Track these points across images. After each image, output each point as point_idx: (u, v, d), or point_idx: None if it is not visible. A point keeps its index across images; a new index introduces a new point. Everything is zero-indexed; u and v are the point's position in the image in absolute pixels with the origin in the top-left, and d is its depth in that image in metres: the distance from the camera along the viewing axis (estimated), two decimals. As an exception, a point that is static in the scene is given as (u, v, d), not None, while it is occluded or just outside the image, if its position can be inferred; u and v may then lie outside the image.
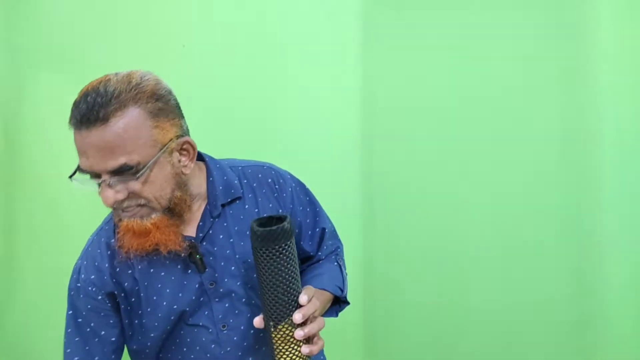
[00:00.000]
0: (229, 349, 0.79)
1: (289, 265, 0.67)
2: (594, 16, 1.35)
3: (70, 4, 1.48)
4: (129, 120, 0.65)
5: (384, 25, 1.41)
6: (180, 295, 0.77)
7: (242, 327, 0.80)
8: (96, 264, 0.79)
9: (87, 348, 0.78)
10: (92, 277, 0.78)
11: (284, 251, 0.66)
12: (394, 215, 1.38)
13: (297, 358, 0.68)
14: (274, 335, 0.68)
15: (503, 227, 1.36)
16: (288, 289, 0.67)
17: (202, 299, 0.79)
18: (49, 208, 1.48)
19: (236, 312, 0.80)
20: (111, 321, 0.79)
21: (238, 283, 0.80)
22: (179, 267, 0.77)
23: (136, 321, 0.79)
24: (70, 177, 0.70)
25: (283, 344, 0.68)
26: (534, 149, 1.36)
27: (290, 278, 0.67)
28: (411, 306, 1.37)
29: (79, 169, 0.68)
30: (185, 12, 1.45)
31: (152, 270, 0.78)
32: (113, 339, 0.79)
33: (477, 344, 1.36)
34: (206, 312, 0.79)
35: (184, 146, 0.73)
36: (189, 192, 0.76)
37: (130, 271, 0.78)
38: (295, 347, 0.68)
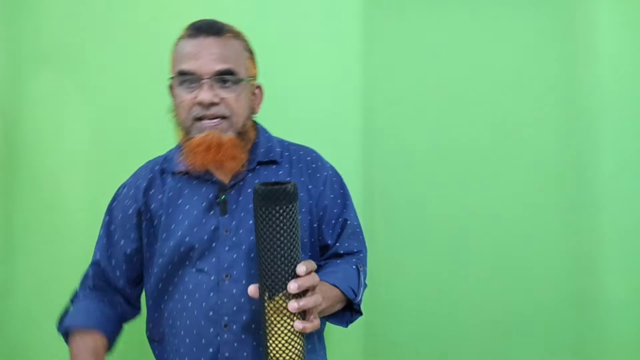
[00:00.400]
0: (225, 300, 0.80)
1: (289, 231, 0.63)
2: (594, 16, 1.35)
3: (70, 4, 1.48)
4: (236, 42, 0.83)
5: (384, 25, 1.41)
6: (195, 230, 0.83)
7: (243, 282, 0.81)
8: (137, 182, 0.90)
9: (109, 251, 0.89)
10: (131, 192, 0.90)
11: (284, 213, 0.63)
12: (394, 217, 1.38)
13: (289, 332, 0.64)
14: (266, 305, 0.65)
15: (502, 228, 1.36)
16: (287, 255, 0.63)
17: (213, 244, 0.82)
18: (49, 208, 1.48)
19: (242, 264, 0.82)
20: (132, 236, 0.88)
21: (251, 238, 0.82)
22: (203, 205, 0.84)
23: (153, 244, 0.87)
24: (171, 78, 0.83)
25: (275, 316, 0.64)
26: (533, 149, 1.36)
27: (289, 245, 0.63)
28: (412, 307, 1.37)
29: (180, 73, 0.80)
30: (186, 12, 1.45)
31: (179, 201, 0.85)
32: (127, 251, 0.88)
33: (476, 344, 1.36)
34: (213, 259, 0.82)
35: (256, 91, 0.90)
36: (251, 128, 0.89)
37: (160, 196, 0.87)
38: (289, 320, 0.64)
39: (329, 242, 0.90)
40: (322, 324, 0.93)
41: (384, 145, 1.39)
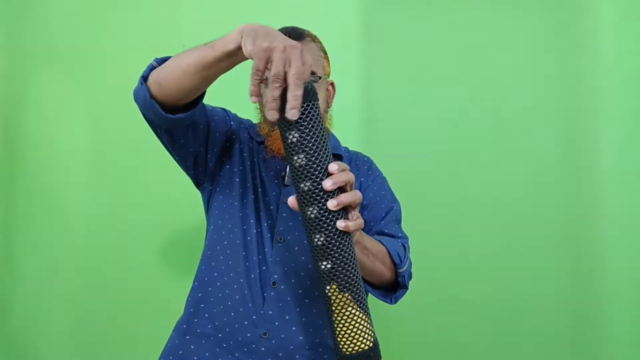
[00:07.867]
0: (278, 259, 0.86)
1: (313, 129, 0.60)
2: (595, 17, 1.35)
3: (70, 4, 1.48)
4: (314, 45, 0.92)
5: (384, 25, 1.41)
6: (260, 190, 0.91)
7: (295, 248, 0.87)
8: (244, 121, 1.01)
9: (220, 123, 0.95)
10: (242, 122, 1.00)
11: (305, 111, 0.59)
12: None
13: (332, 233, 0.61)
14: (306, 218, 0.61)
15: (503, 229, 1.37)
16: (315, 155, 0.60)
17: (271, 207, 0.90)
18: (49, 208, 1.48)
19: (296, 233, 0.87)
20: (224, 127, 0.95)
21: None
22: (271, 173, 0.93)
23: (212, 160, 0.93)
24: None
25: (317, 223, 0.61)
26: (534, 150, 1.36)
27: (315, 143, 0.60)
28: (411, 306, 1.37)
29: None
30: (185, 12, 1.45)
31: (264, 164, 0.94)
32: (213, 124, 0.93)
33: (477, 344, 1.36)
34: (269, 221, 0.89)
35: (329, 87, 0.98)
36: None
37: (251, 145, 0.96)
38: (334, 224, 0.61)
39: (372, 224, 0.92)
40: (367, 296, 0.93)
41: (384, 143, 1.39)
